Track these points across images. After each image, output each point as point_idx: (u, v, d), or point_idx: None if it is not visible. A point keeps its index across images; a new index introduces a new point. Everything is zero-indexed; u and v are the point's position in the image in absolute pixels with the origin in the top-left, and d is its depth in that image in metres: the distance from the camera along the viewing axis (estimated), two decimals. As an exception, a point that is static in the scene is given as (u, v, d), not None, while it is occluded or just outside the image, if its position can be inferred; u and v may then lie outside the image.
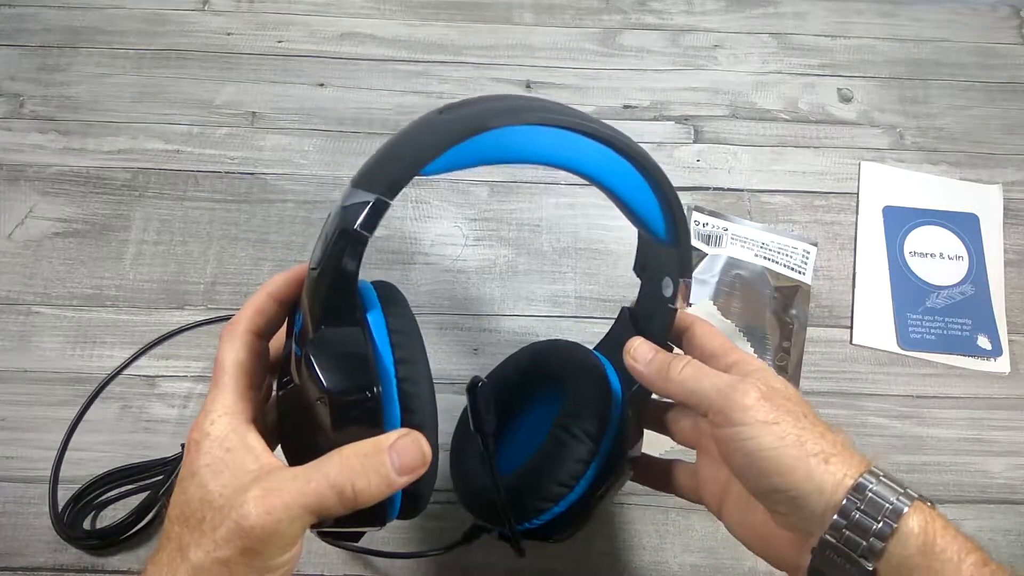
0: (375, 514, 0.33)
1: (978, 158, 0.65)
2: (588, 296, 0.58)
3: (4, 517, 0.50)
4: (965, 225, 0.63)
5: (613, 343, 0.44)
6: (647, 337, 0.40)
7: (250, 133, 0.64)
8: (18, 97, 0.65)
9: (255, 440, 0.32)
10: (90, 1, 0.70)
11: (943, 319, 0.59)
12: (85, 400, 0.53)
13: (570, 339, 0.47)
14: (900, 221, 0.62)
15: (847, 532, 0.31)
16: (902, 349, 0.58)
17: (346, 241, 0.32)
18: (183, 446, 0.50)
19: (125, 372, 0.54)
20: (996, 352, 0.58)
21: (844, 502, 0.31)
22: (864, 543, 0.30)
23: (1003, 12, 0.73)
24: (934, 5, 0.73)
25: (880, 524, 0.30)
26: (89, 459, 0.51)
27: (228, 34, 0.69)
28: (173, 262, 0.59)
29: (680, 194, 0.62)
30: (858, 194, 0.64)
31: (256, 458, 0.31)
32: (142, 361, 0.55)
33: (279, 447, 0.35)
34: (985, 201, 0.64)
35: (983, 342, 0.58)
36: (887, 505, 0.30)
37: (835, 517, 0.31)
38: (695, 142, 0.65)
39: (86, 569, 0.49)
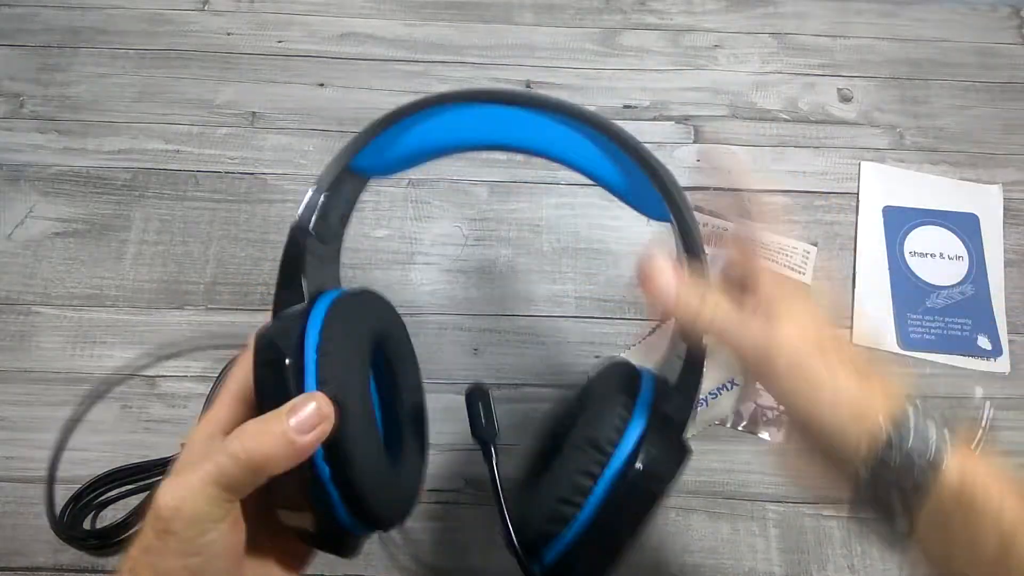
0: (340, 540, 0.33)
1: (978, 158, 0.65)
2: (588, 296, 0.58)
3: (4, 517, 0.50)
4: (965, 225, 0.63)
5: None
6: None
7: (250, 133, 0.64)
8: (18, 97, 0.65)
9: (217, 442, 0.31)
10: (90, 1, 0.70)
11: (943, 319, 0.59)
12: (87, 401, 0.53)
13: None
14: (900, 221, 0.62)
15: (881, 484, 0.30)
16: (902, 349, 0.58)
17: (290, 234, 0.36)
18: (183, 446, 0.50)
19: (125, 372, 0.54)
20: (996, 352, 0.58)
21: (875, 456, 0.30)
22: (898, 502, 0.30)
23: (1003, 12, 0.73)
24: (934, 5, 0.73)
25: (910, 484, 0.30)
26: (89, 459, 0.51)
27: (228, 34, 0.69)
28: (173, 262, 0.59)
29: (680, 194, 0.63)
30: (858, 194, 0.64)
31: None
32: (142, 361, 0.55)
33: None
34: (985, 201, 0.64)
35: (983, 342, 0.58)
36: (919, 460, 0.30)
37: (865, 472, 0.31)
38: (695, 142, 0.65)
39: (86, 569, 0.49)
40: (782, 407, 0.34)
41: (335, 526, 0.32)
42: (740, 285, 0.35)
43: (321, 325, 0.33)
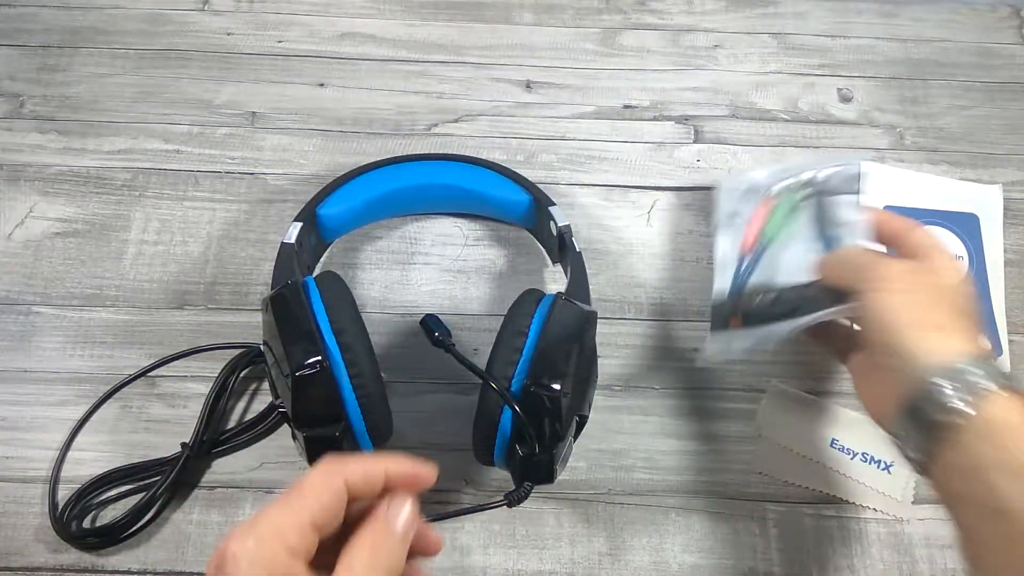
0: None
1: (978, 158, 0.65)
2: (588, 296, 0.58)
3: (4, 517, 0.50)
4: (965, 225, 0.62)
5: None
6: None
7: (250, 133, 0.64)
8: (18, 97, 0.65)
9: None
10: (90, 1, 0.70)
11: (943, 319, 0.59)
12: (98, 402, 0.53)
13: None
14: (900, 221, 0.62)
15: (934, 398, 0.35)
16: (902, 349, 0.58)
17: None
18: (183, 445, 0.50)
19: (125, 372, 0.54)
20: (996, 352, 0.58)
21: (943, 367, 0.35)
22: (945, 413, 0.35)
23: (1003, 12, 0.73)
24: (934, 5, 0.73)
25: (963, 402, 0.34)
26: (89, 459, 0.51)
27: (228, 34, 0.69)
28: (173, 262, 0.59)
29: (679, 194, 0.63)
30: (858, 194, 0.64)
31: None
32: (142, 361, 0.55)
33: None
34: (985, 201, 0.63)
35: (983, 342, 0.58)
36: (977, 386, 0.35)
37: (927, 380, 0.36)
38: (695, 142, 0.65)
39: (86, 569, 0.49)
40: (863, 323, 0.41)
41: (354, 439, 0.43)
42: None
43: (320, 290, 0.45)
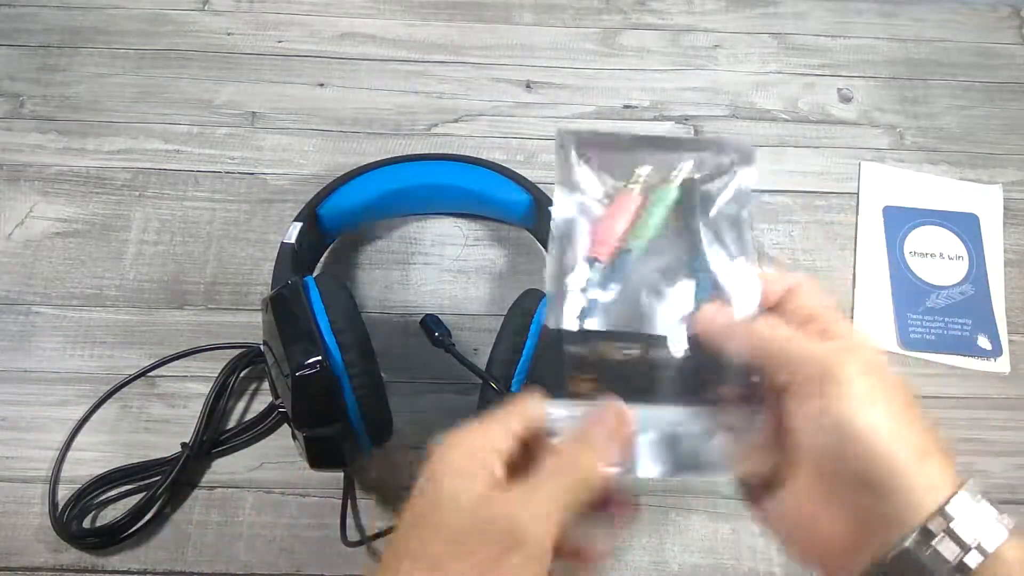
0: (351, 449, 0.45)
1: (978, 158, 0.65)
2: (588, 296, 0.58)
3: (4, 517, 0.50)
4: (965, 225, 0.63)
5: None
6: None
7: (250, 133, 0.64)
8: (18, 97, 0.65)
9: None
10: (90, 1, 0.70)
11: (943, 319, 0.59)
12: (97, 402, 0.53)
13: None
14: (900, 221, 0.62)
15: (934, 545, 0.27)
16: (902, 349, 0.58)
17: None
18: (183, 445, 0.50)
19: (125, 372, 0.54)
20: (996, 352, 0.58)
21: (941, 509, 0.28)
22: (950, 562, 0.27)
23: (1003, 12, 0.73)
24: (934, 5, 0.73)
25: (973, 547, 0.27)
26: (89, 459, 0.51)
27: (228, 34, 0.69)
28: (173, 262, 0.59)
29: (680, 194, 0.63)
30: (858, 194, 0.64)
31: None
32: (142, 361, 0.55)
33: None
34: (985, 201, 0.64)
35: (983, 342, 0.58)
36: (985, 526, 0.28)
37: (926, 524, 0.27)
38: (695, 142, 0.65)
39: (86, 569, 0.49)
40: (813, 441, 0.30)
41: (351, 433, 0.44)
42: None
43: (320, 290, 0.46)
